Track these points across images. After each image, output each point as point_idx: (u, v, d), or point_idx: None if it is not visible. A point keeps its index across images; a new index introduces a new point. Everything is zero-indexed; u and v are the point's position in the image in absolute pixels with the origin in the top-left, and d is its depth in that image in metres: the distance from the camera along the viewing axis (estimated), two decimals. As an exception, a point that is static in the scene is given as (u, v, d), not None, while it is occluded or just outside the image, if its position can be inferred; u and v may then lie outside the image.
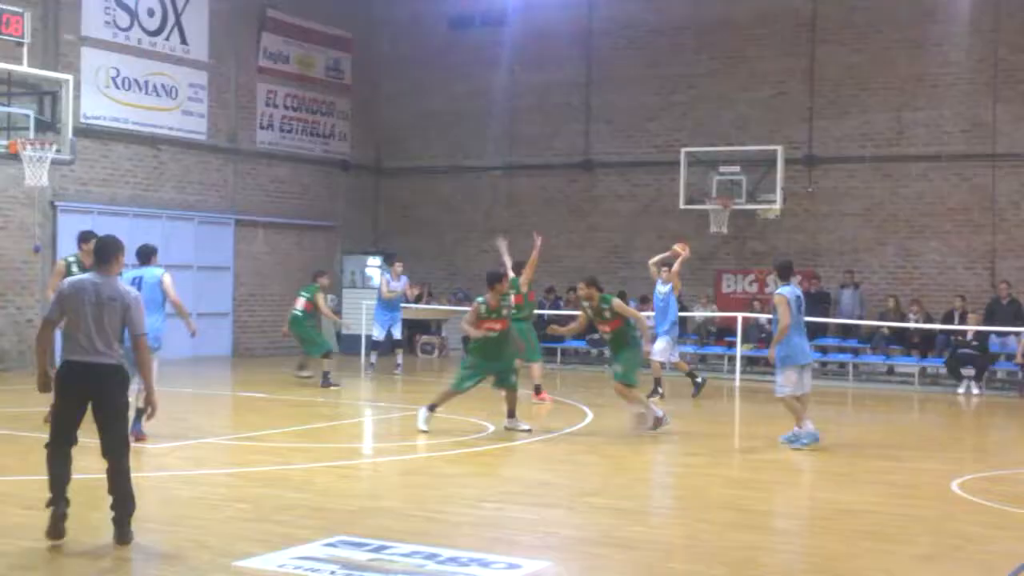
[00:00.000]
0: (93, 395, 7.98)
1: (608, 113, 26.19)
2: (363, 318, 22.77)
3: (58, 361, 8.30)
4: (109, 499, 8.04)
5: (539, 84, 26.66)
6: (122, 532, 7.97)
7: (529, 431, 13.47)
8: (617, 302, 13.83)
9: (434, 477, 10.94)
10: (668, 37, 25.57)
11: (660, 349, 17.36)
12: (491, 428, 13.96)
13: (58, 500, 7.99)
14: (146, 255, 13.12)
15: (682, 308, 23.42)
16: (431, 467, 11.50)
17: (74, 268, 13.04)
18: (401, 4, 28.04)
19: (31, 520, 8.72)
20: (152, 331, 13.09)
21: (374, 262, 26.14)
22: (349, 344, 24.07)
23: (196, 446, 12.66)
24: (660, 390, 17.52)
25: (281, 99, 26.05)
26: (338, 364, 20.85)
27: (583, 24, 26.35)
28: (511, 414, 13.68)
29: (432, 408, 13.37)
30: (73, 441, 8.09)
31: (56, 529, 7.92)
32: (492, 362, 13.54)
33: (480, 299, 13.63)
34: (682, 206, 23.32)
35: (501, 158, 27.29)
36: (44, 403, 15.61)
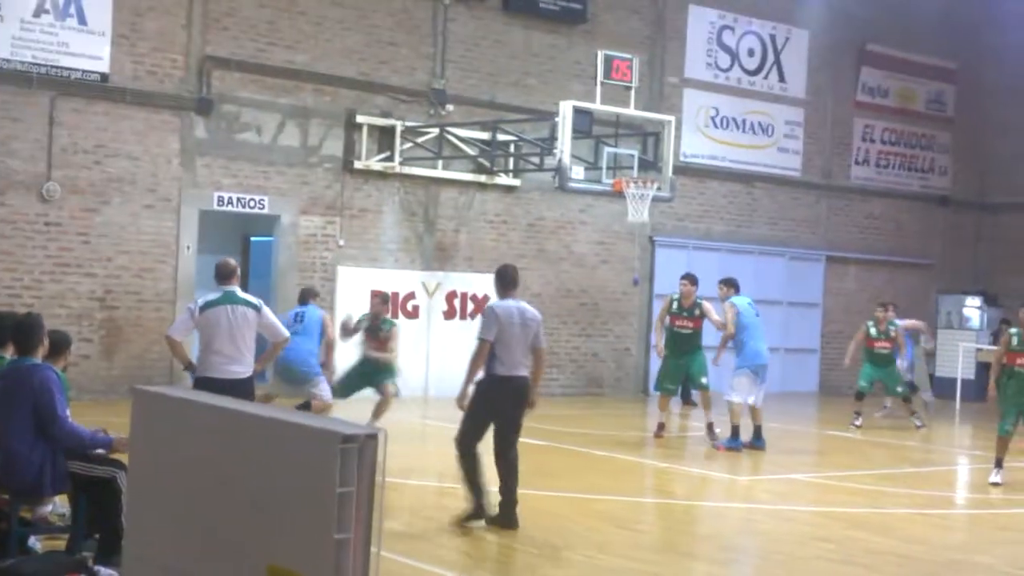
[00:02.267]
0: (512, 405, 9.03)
1: None
2: (959, 360, 21.69)
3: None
4: None
5: None
6: None
7: None
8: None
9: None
10: None
11: None
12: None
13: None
14: (304, 296, 13.31)
15: None
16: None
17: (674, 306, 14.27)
18: (1010, 31, 26.34)
19: (623, 538, 9.12)
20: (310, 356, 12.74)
21: (973, 302, 24.77)
22: (943, 387, 22.93)
23: (782, 481, 12.62)
24: None
25: (878, 134, 25.50)
26: (929, 407, 19.97)
27: None
28: None
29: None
30: None
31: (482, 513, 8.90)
32: None
33: None
34: None
35: None
36: (638, 428, 16.34)
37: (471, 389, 8.99)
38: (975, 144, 26.87)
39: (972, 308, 24.71)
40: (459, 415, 9.14)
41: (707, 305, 14.74)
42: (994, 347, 24.40)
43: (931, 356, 25.11)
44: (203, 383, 8.92)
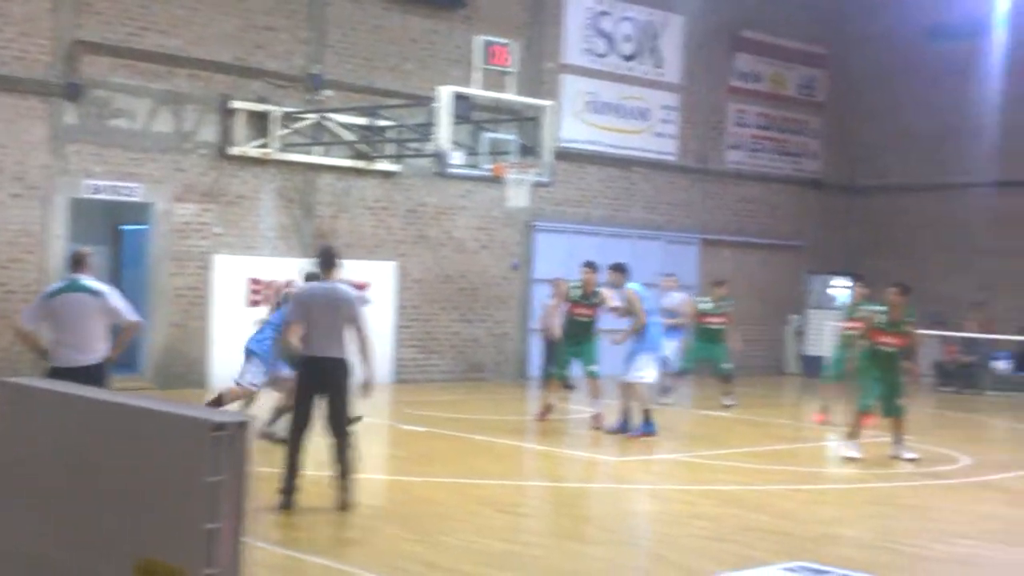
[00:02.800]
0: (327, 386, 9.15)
1: (1114, 123, 23.92)
2: (828, 339, 22.30)
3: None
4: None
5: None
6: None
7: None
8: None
9: (901, 508, 10.43)
10: None
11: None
12: (964, 460, 13.13)
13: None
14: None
15: None
16: (898, 497, 10.97)
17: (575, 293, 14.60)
18: (878, 17, 27.12)
19: (503, 522, 9.20)
20: None
21: (841, 283, 25.46)
22: (812, 366, 23.51)
23: (658, 461, 12.85)
24: None
25: (751, 118, 26.00)
26: (799, 385, 20.44)
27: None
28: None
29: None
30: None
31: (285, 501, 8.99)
32: None
33: None
34: None
35: (987, 174, 25.61)
36: (519, 412, 16.42)
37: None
38: (845, 128, 27.58)
39: (840, 288, 25.37)
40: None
41: (606, 292, 14.88)
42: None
43: (800, 335, 25.83)
44: (53, 373, 8.84)
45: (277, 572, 7.21)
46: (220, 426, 4.65)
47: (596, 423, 14.57)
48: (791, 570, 7.70)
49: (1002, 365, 22.77)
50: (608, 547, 8.34)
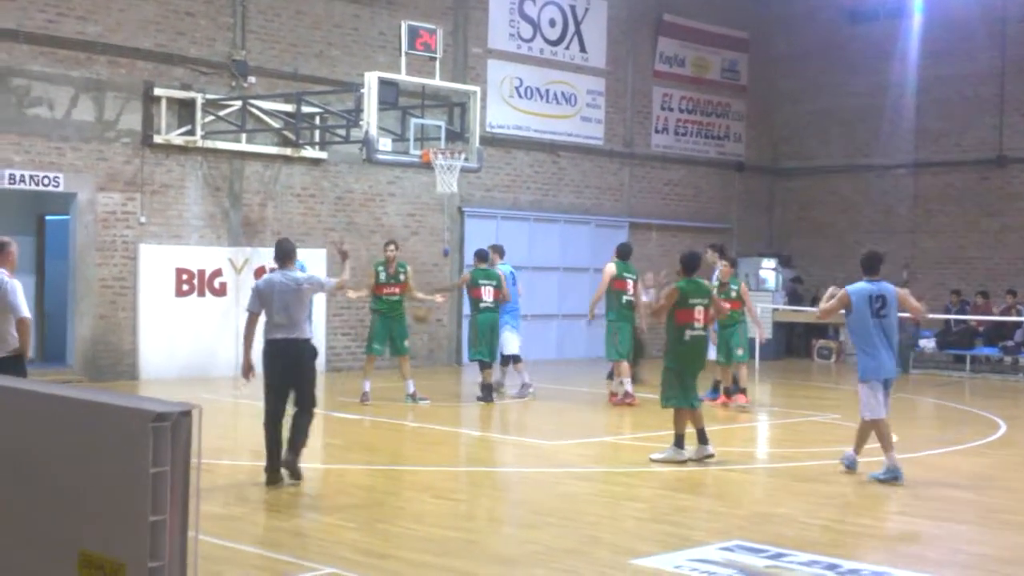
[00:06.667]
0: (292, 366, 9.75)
1: (1024, 105, 24.50)
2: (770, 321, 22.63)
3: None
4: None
5: (947, 76, 25.32)
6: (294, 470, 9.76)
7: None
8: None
9: (833, 485, 10.59)
10: (1093, 21, 23.61)
11: None
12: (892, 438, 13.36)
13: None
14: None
15: None
16: (829, 475, 11.14)
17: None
18: (798, 1, 27.47)
19: (440, 508, 9.21)
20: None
21: (768, 264, 25.78)
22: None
23: (592, 444, 12.93)
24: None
25: (676, 102, 26.20)
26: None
27: (996, 11, 24.76)
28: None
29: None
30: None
31: (271, 479, 9.59)
32: None
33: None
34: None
35: (905, 155, 26.13)
36: (453, 397, 16.42)
37: (255, 359, 9.93)
38: (767, 111, 27.91)
39: (768, 270, 25.68)
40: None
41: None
42: (791, 307, 25.51)
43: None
44: None
45: (216, 564, 7.15)
46: (162, 416, 4.59)
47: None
48: (728, 549, 7.80)
49: (927, 344, 23.18)
50: (545, 530, 8.38)
